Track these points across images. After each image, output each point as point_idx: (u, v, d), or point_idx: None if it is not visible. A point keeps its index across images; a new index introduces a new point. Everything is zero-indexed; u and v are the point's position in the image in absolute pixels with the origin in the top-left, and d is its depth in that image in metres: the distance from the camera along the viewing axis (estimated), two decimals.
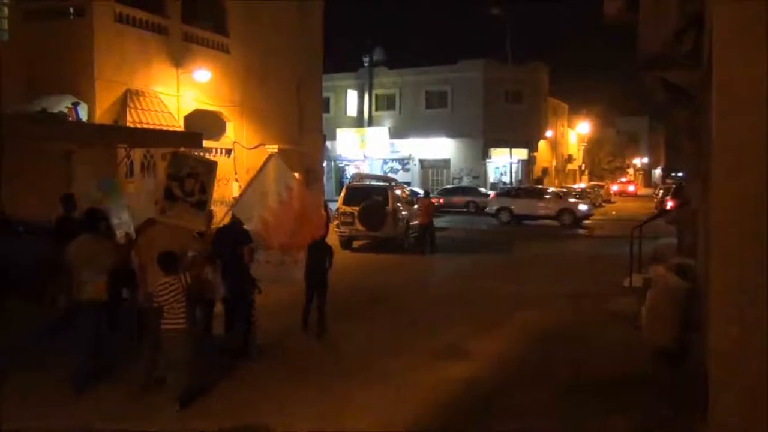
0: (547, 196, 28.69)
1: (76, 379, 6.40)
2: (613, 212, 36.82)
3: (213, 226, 7.47)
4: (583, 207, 27.76)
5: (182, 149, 8.68)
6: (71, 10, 16.58)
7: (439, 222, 25.43)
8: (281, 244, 7.29)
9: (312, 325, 8.61)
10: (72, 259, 6.45)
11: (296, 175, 7.01)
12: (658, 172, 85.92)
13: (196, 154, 9.19)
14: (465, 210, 33.06)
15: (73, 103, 15.13)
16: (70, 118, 14.81)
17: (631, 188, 60.83)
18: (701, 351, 5.39)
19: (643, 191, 62.58)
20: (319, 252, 8.43)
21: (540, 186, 36.89)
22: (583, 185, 46.84)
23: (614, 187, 58.52)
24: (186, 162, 7.16)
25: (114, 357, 7.00)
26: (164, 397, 6.11)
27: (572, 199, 29.11)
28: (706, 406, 4.46)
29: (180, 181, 6.91)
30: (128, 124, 15.99)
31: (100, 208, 7.36)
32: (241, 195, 7.06)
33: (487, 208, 29.03)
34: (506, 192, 30.51)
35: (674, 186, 28.85)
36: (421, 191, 33.61)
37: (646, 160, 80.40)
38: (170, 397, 6.08)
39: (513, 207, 27.72)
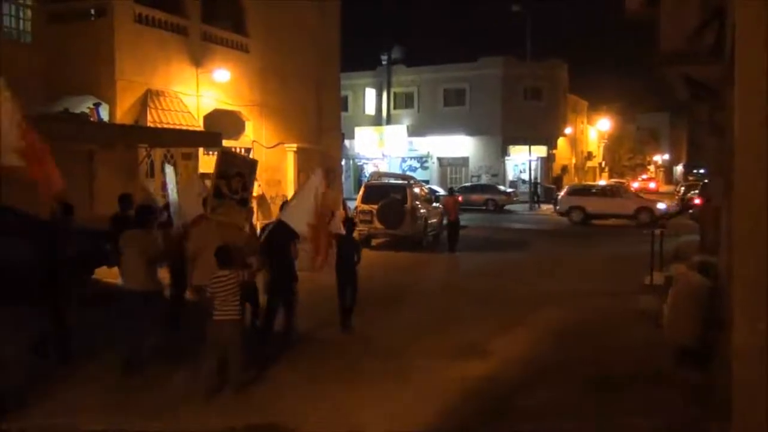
0: (623, 194, 27.54)
1: (126, 364, 6.78)
2: None
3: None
4: (661, 206, 26.71)
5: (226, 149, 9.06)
6: (92, 11, 16.77)
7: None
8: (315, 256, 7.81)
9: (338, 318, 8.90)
10: (122, 251, 6.89)
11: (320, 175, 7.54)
12: (679, 168, 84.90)
13: (241, 154, 9.53)
14: (484, 208, 32.93)
15: (94, 104, 15.33)
16: (91, 119, 15.00)
17: (652, 185, 60.19)
18: (725, 350, 5.32)
19: (664, 188, 61.87)
20: (349, 246, 8.78)
21: (614, 184, 36.11)
22: (603, 182, 46.46)
23: (635, 185, 57.97)
24: (234, 161, 7.47)
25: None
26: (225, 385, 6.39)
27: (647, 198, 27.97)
28: (729, 406, 4.40)
29: (227, 180, 7.18)
30: (148, 124, 16.15)
31: (151, 204, 7.89)
32: (288, 204, 7.58)
33: (558, 207, 27.95)
34: (578, 190, 29.07)
35: (701, 183, 28.27)
36: (440, 189, 33.61)
37: (667, 156, 79.52)
38: (231, 385, 6.37)
39: (586, 206, 26.60)
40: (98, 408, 5.97)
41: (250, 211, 7.49)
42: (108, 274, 10.05)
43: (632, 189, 49.36)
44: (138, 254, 6.80)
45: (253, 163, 7.64)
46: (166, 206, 9.13)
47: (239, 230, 7.19)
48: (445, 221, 18.61)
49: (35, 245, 7.39)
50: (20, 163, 6.30)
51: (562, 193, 29.51)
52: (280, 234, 7.61)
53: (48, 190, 6.81)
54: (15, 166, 6.23)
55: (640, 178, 63.20)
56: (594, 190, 28.85)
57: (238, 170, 7.29)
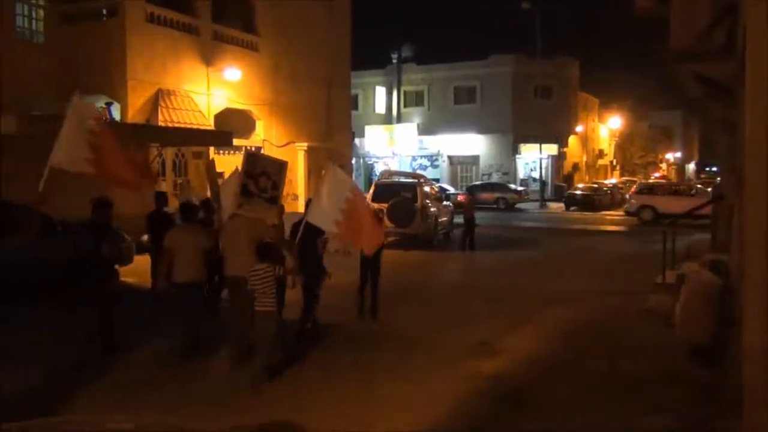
0: (694, 192, 26.62)
1: (176, 354, 7.25)
2: None
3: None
4: None
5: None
6: (104, 11, 16.89)
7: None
8: (348, 241, 8.10)
9: (366, 312, 9.33)
10: (170, 245, 7.43)
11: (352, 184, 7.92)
12: (691, 166, 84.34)
13: (268, 155, 10.74)
14: (495, 206, 32.86)
15: (106, 103, 15.44)
16: (104, 118, 15.10)
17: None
18: (736, 349, 5.30)
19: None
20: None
21: (684, 182, 35.62)
22: (614, 180, 46.23)
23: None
24: (259, 162, 7.92)
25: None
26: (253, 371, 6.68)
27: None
28: (740, 405, 4.38)
29: (254, 179, 7.59)
30: (160, 124, 16.25)
31: (194, 202, 8.43)
32: (310, 204, 7.89)
33: (626, 207, 27.42)
34: (648, 188, 28.26)
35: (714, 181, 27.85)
36: (450, 188, 33.58)
37: (679, 154, 78.92)
38: (260, 371, 6.66)
39: (656, 205, 25.86)
40: (111, 405, 6.02)
41: (281, 209, 7.79)
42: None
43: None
44: (192, 248, 7.35)
45: (282, 164, 8.00)
46: (203, 203, 9.39)
47: (267, 226, 7.52)
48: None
49: (85, 243, 7.69)
50: (89, 170, 6.84)
51: (631, 191, 28.73)
52: (309, 230, 7.86)
53: (125, 187, 7.53)
54: (84, 172, 6.82)
55: (653, 176, 62.81)
56: (664, 189, 27.94)
57: (263, 170, 7.66)
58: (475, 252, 17.06)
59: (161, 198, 9.69)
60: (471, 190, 20.68)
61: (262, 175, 7.63)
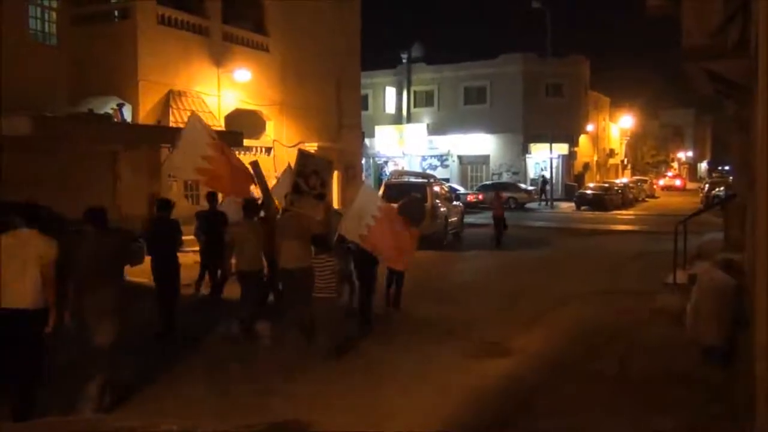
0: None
1: (241, 339, 7.91)
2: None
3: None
4: None
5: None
6: (116, 13, 16.99)
7: (478, 218, 25.31)
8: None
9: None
10: (233, 239, 8.25)
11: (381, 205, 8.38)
12: (703, 165, 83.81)
13: (317, 155, 11.77)
14: (505, 206, 32.70)
15: (118, 105, 15.54)
16: (115, 119, 15.21)
17: (678, 182, 59.47)
18: (748, 349, 5.26)
19: (691, 185, 60.97)
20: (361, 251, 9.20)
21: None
22: (625, 180, 46.00)
23: (661, 182, 57.33)
24: (310, 161, 8.51)
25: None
26: (318, 354, 7.31)
27: None
28: (752, 405, 4.35)
29: (305, 177, 8.20)
30: (171, 125, 16.33)
31: (256, 200, 8.95)
32: (345, 217, 8.25)
33: None
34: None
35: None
36: (460, 187, 33.52)
37: (690, 153, 78.45)
38: (323, 354, 7.27)
39: None
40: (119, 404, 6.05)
41: (328, 204, 8.50)
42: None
43: (655, 187, 48.92)
44: (257, 241, 8.13)
45: (329, 163, 8.70)
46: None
47: (315, 221, 8.21)
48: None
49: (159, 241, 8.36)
50: (198, 178, 7.90)
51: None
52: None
53: (232, 194, 8.58)
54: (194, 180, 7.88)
55: (666, 176, 62.46)
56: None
57: (314, 168, 8.29)
58: (486, 251, 17.05)
59: (214, 198, 10.49)
60: (498, 189, 20.81)
61: (313, 174, 8.28)
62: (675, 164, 72.61)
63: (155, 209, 8.82)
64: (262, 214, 9.02)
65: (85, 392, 5.68)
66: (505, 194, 33.40)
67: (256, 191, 9.89)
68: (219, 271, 9.98)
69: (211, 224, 9.99)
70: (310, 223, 8.10)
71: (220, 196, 10.52)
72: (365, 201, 8.08)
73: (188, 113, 17.18)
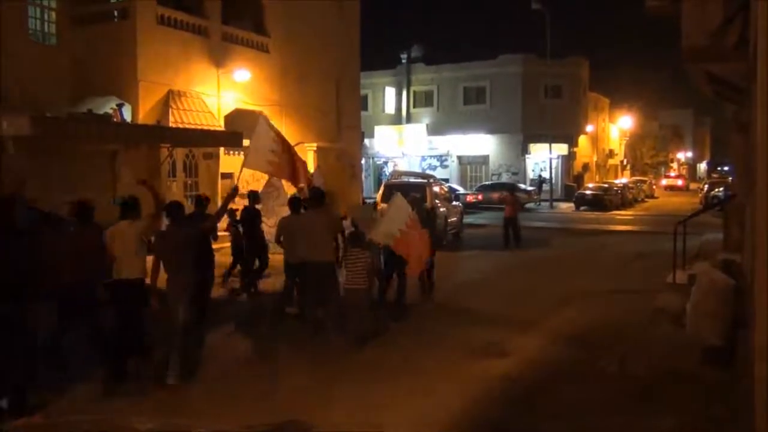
0: None
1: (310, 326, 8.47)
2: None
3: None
4: None
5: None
6: (115, 13, 16.99)
7: (477, 218, 25.32)
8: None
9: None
10: (282, 232, 8.92)
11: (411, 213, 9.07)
12: (703, 166, 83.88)
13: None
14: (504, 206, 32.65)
15: (117, 105, 15.53)
16: (115, 119, 15.21)
17: (680, 182, 59.52)
18: (748, 349, 5.27)
19: (693, 185, 60.95)
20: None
21: None
22: (625, 180, 46.01)
23: (664, 182, 57.37)
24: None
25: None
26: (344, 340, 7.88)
27: None
28: (752, 406, 4.36)
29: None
30: (170, 125, 16.33)
31: (323, 191, 9.30)
32: (378, 223, 9.08)
33: None
34: None
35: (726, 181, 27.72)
36: (459, 188, 33.50)
37: (690, 154, 78.52)
38: (350, 339, 7.88)
39: None
40: (118, 401, 6.06)
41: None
42: None
43: (654, 187, 48.95)
44: (313, 232, 8.54)
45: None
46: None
47: (338, 218, 9.16)
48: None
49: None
50: (270, 170, 8.82)
51: None
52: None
53: (296, 184, 9.22)
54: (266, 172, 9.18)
55: (669, 176, 62.54)
56: None
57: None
58: (484, 251, 17.06)
59: (255, 196, 11.33)
60: (512, 189, 20.43)
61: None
62: (675, 165, 72.66)
63: (194, 206, 9.45)
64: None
65: (168, 364, 6.50)
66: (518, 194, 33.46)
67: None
68: (253, 265, 11.00)
69: (252, 220, 10.86)
70: (334, 219, 8.86)
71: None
72: (397, 211, 8.92)
73: (188, 113, 17.21)
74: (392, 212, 8.91)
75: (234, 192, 7.68)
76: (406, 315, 9.59)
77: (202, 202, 9.70)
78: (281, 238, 8.96)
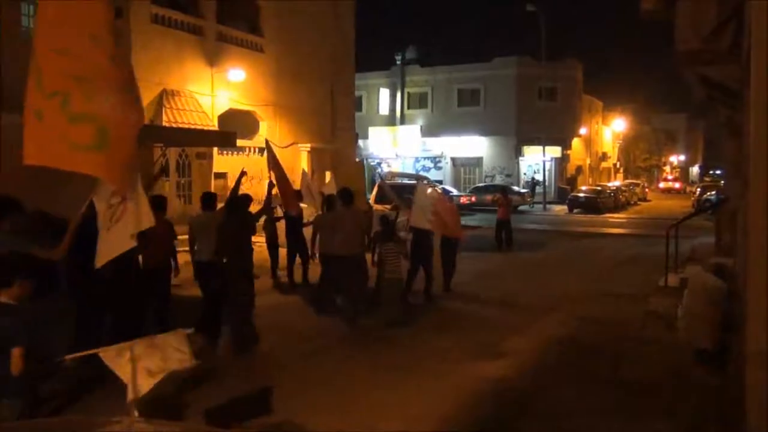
0: None
1: (348, 313, 9.11)
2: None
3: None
4: None
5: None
6: None
7: (470, 220, 25.32)
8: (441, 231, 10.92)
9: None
10: (329, 225, 9.51)
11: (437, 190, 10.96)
12: (695, 169, 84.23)
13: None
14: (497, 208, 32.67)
15: None
16: None
17: (677, 185, 59.83)
18: (740, 353, 5.28)
19: (690, 188, 61.19)
20: (425, 237, 10.82)
21: None
22: (618, 183, 46.17)
23: (661, 184, 57.60)
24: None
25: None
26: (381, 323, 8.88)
27: None
28: (744, 409, 4.37)
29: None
30: (164, 124, 16.26)
31: (352, 191, 10.02)
32: (412, 210, 10.57)
33: None
34: None
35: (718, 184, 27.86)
36: (453, 189, 33.50)
37: (683, 157, 78.85)
38: (387, 323, 8.90)
39: None
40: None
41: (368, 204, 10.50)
42: None
43: (647, 190, 49.12)
44: (350, 227, 9.32)
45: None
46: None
47: (365, 215, 10.15)
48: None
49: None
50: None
51: None
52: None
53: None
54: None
55: (664, 178, 62.82)
56: None
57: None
58: (476, 253, 17.05)
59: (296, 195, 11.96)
60: (505, 191, 20.20)
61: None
62: (667, 168, 72.96)
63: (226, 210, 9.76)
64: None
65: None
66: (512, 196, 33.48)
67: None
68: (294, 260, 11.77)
69: (290, 221, 11.75)
70: (362, 217, 9.91)
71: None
72: (423, 197, 10.62)
73: (182, 113, 17.15)
74: (420, 199, 10.52)
75: (243, 173, 8.76)
76: (432, 302, 10.65)
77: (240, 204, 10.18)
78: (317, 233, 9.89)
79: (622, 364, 7.56)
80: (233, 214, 8.02)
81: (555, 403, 6.38)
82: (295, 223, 11.76)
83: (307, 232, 10.91)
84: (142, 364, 4.38)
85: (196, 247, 8.53)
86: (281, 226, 12.19)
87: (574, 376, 7.20)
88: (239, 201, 8.37)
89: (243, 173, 8.98)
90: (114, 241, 5.54)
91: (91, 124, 4.68)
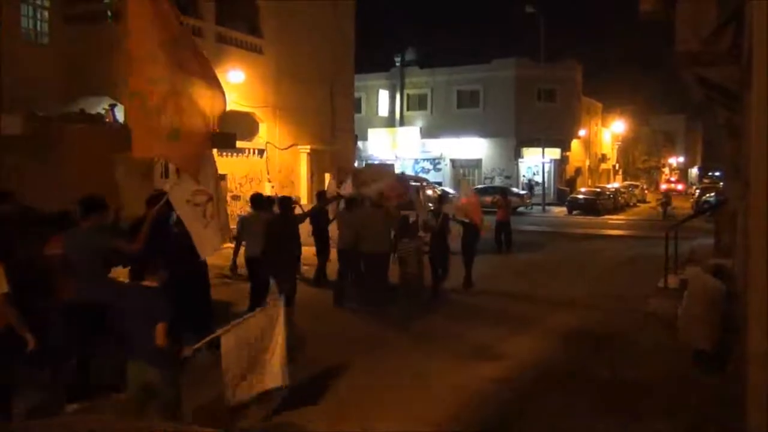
0: None
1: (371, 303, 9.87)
2: None
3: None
4: None
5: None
6: (109, 13, 16.91)
7: None
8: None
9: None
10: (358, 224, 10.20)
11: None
12: (694, 171, 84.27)
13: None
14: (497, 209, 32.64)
15: (110, 105, 15.44)
16: (107, 120, 15.13)
17: (680, 187, 59.79)
18: (739, 353, 5.28)
19: (692, 190, 61.15)
20: (439, 236, 11.29)
21: None
22: (617, 185, 46.18)
23: (663, 186, 57.59)
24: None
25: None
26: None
27: None
28: (744, 410, 4.37)
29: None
30: None
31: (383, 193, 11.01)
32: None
33: None
34: None
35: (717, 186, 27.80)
36: (452, 191, 33.46)
37: (682, 159, 78.88)
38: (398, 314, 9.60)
39: None
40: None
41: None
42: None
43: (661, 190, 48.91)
44: (377, 226, 10.15)
45: (389, 168, 12.04)
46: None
47: (391, 215, 10.69)
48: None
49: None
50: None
51: None
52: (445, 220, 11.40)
53: None
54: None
55: (667, 180, 62.79)
56: None
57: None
58: (485, 255, 17.02)
59: (322, 196, 12.59)
60: (505, 193, 20.12)
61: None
62: (666, 169, 72.99)
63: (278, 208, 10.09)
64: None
65: None
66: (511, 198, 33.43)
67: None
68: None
69: (315, 219, 11.93)
70: (388, 216, 10.52)
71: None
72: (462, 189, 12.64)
73: None
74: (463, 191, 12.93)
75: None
76: (442, 300, 11.02)
77: (289, 203, 10.41)
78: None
79: (621, 364, 7.56)
80: (280, 214, 9.33)
81: (554, 404, 6.38)
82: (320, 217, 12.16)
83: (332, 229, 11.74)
84: (248, 373, 5.60)
85: (244, 244, 9.53)
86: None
87: (573, 376, 7.20)
88: (286, 202, 9.56)
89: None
90: (213, 236, 6.53)
91: (168, 119, 5.69)
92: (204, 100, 6.04)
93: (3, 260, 5.10)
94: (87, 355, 6.23)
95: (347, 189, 12.91)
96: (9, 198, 7.44)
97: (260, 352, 5.66)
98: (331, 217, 12.00)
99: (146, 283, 5.01)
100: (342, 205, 11.39)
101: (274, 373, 5.64)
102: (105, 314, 5.72)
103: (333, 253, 11.50)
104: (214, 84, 6.25)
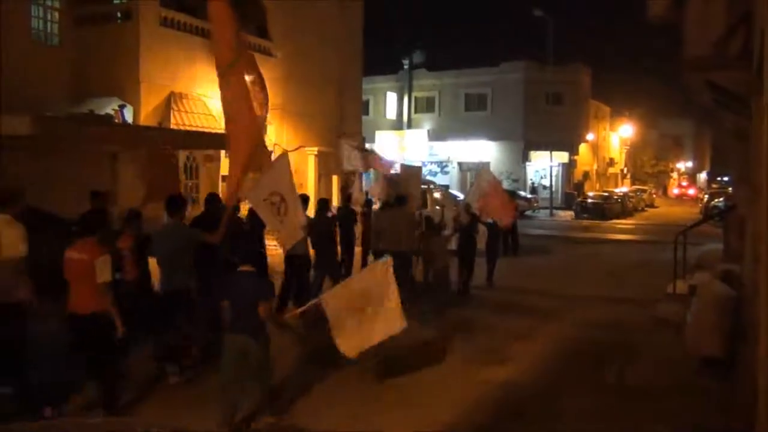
0: None
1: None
2: None
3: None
4: None
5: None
6: (118, 14, 17.00)
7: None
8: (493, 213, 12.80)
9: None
10: (385, 225, 10.78)
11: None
12: (703, 176, 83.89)
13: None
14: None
15: (119, 106, 15.51)
16: (116, 120, 15.18)
17: (691, 191, 59.44)
18: (748, 360, 5.24)
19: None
20: (468, 236, 11.85)
21: None
22: (625, 189, 46.00)
23: (675, 190, 57.21)
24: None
25: None
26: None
27: None
28: (752, 416, 4.33)
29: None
30: (172, 126, 16.31)
31: (406, 195, 11.57)
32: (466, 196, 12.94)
33: None
34: None
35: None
36: (460, 194, 33.43)
37: (690, 164, 78.54)
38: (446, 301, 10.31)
39: None
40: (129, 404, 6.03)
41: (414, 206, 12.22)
42: None
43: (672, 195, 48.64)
44: (400, 226, 10.61)
45: (417, 170, 13.43)
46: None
47: (414, 216, 11.33)
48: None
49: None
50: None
51: None
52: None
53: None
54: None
55: (679, 185, 62.46)
56: None
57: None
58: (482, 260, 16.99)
59: (347, 195, 13.32)
60: (512, 196, 19.91)
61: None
62: (674, 174, 72.69)
63: (316, 209, 10.87)
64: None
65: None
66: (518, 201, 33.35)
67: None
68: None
69: (343, 219, 12.34)
70: (412, 217, 11.23)
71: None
72: (480, 181, 12.99)
73: (190, 115, 17.21)
74: (477, 185, 13.01)
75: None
76: (468, 299, 11.49)
77: (326, 204, 11.34)
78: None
79: (628, 369, 7.53)
80: (320, 214, 10.45)
81: (560, 407, 6.36)
82: (349, 218, 12.71)
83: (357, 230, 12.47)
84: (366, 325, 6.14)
85: None
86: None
87: (579, 380, 7.17)
88: (324, 203, 10.75)
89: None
90: (290, 232, 7.82)
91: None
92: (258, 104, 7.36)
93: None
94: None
95: (374, 191, 13.82)
96: (101, 197, 8.63)
97: (373, 304, 6.21)
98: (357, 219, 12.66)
99: (244, 269, 5.73)
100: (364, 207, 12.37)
101: (390, 320, 6.18)
102: (191, 300, 6.78)
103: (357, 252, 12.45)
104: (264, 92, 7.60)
